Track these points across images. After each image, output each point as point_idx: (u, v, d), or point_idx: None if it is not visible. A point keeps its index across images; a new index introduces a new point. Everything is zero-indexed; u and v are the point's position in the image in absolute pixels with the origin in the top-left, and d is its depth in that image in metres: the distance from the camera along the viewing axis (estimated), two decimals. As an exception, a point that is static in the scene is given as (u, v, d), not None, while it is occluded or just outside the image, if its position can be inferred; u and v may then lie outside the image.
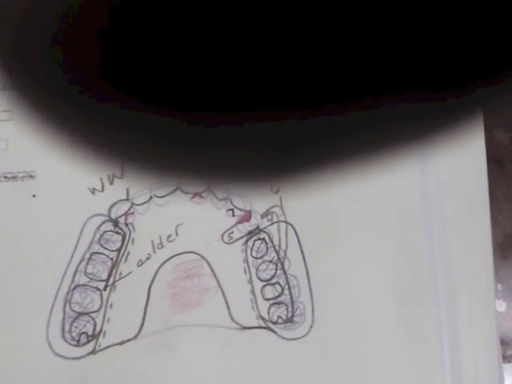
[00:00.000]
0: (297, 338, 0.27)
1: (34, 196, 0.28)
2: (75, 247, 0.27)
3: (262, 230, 0.28)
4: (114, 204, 0.28)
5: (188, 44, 0.20)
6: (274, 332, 0.27)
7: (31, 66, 0.22)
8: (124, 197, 0.28)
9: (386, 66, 0.20)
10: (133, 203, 0.28)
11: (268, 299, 0.28)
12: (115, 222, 0.28)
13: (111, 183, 0.28)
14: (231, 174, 0.29)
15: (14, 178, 0.28)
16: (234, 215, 0.28)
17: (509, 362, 0.29)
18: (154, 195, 0.28)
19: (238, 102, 0.21)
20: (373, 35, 0.20)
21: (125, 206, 0.28)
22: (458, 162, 0.29)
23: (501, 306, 0.30)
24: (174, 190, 0.28)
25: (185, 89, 0.21)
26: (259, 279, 0.28)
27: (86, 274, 0.27)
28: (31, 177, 0.28)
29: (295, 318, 0.27)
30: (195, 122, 0.23)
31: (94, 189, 0.28)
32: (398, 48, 0.20)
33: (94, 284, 0.27)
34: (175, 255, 0.28)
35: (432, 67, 0.20)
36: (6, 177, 0.28)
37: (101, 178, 0.28)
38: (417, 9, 0.19)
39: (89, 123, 0.28)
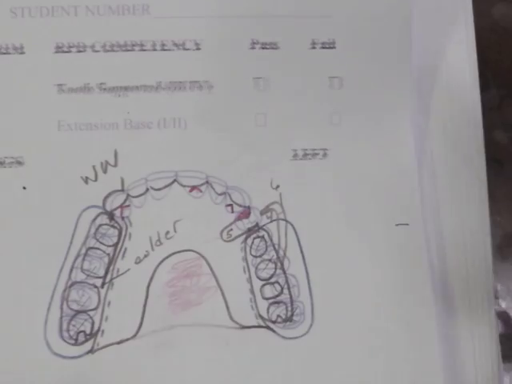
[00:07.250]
0: (296, 337, 0.27)
1: (24, 188, 0.27)
2: (71, 242, 0.27)
3: (262, 228, 0.28)
4: (109, 195, 0.27)
5: None
6: (274, 331, 0.27)
7: None
8: (119, 187, 0.27)
9: None
10: (128, 195, 0.27)
11: (267, 298, 0.27)
12: (111, 215, 0.27)
13: (104, 171, 0.27)
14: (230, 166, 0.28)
15: (1, 163, 0.27)
16: (233, 211, 0.28)
17: (509, 362, 0.29)
18: (151, 187, 0.28)
19: None
20: None
21: (120, 198, 0.27)
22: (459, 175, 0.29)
23: (500, 306, 0.30)
24: (172, 183, 0.28)
25: None
26: (258, 278, 0.27)
27: (82, 270, 0.27)
28: (19, 163, 0.27)
29: (295, 318, 0.27)
30: None
31: (86, 178, 0.27)
32: None
33: (91, 281, 0.27)
34: (174, 253, 0.27)
35: None
36: None
37: (93, 166, 0.27)
38: None
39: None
